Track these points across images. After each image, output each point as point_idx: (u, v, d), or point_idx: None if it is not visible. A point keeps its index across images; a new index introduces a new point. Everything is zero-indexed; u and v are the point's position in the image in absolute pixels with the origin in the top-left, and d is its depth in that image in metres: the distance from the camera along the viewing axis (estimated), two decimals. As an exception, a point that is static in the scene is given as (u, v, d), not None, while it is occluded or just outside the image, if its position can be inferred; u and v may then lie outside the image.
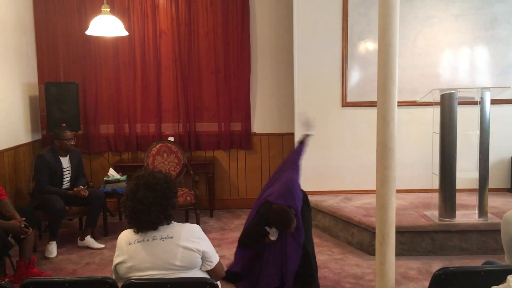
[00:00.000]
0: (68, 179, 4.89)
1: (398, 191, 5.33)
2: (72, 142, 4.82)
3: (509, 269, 2.28)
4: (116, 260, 2.29)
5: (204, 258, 2.28)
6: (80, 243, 4.80)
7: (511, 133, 5.42)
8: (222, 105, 5.94)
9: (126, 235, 2.31)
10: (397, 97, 2.11)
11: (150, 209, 2.21)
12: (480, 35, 5.35)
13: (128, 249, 2.24)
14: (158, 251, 2.20)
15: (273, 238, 3.30)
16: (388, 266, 2.17)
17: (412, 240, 4.41)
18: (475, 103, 4.50)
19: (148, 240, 2.22)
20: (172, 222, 2.32)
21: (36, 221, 4.30)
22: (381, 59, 2.04)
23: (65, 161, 4.86)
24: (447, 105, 4.35)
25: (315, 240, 4.85)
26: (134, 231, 2.28)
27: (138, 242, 2.23)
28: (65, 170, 4.85)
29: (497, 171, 5.44)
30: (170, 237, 2.23)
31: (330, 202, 5.18)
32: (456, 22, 5.32)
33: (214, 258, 2.33)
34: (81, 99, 5.74)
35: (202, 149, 6.05)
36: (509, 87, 4.90)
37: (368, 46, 5.40)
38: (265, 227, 3.29)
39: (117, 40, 5.73)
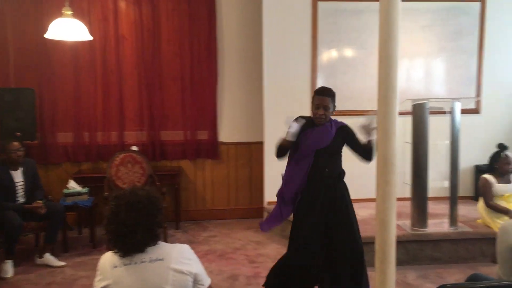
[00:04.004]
0: (21, 194, 4.54)
1: (369, 200, 5.40)
2: (20, 153, 4.45)
3: (505, 285, 2.26)
4: (98, 285, 2.08)
5: (195, 280, 2.11)
6: (38, 261, 4.47)
7: (474, 143, 5.54)
8: (188, 113, 5.76)
9: (110, 257, 2.11)
10: (398, 109, 2.04)
11: (135, 230, 2.03)
12: (446, 46, 5.46)
13: (113, 273, 2.04)
14: (148, 275, 2.02)
15: (288, 137, 3.24)
16: (389, 285, 2.08)
17: (386, 251, 4.38)
18: (443, 113, 4.57)
19: (136, 263, 2.04)
20: (159, 242, 2.15)
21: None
22: (382, 71, 1.96)
23: (17, 175, 4.50)
24: (419, 115, 4.38)
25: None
26: (119, 255, 2.08)
27: (125, 265, 2.04)
28: (17, 184, 4.49)
29: (461, 180, 5.53)
30: (160, 259, 2.05)
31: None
32: (423, 33, 5.41)
33: (206, 281, 2.17)
34: (38, 106, 5.40)
35: (168, 159, 5.83)
36: (479, 98, 5.02)
37: (337, 55, 5.39)
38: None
39: (77, 45, 5.44)
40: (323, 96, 3.28)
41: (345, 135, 3.42)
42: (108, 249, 4.57)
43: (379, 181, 2.20)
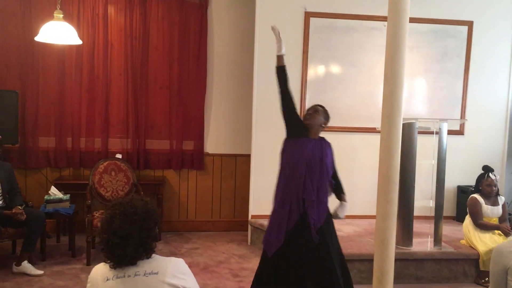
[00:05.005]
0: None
1: (352, 217, 5.40)
2: None
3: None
4: (89, 297, 2.01)
5: (189, 296, 2.06)
6: (15, 269, 4.32)
7: (457, 164, 5.60)
8: (174, 122, 5.70)
9: (102, 270, 2.04)
10: (401, 128, 2.05)
11: (127, 242, 1.97)
12: (431, 67, 5.55)
13: (105, 286, 1.97)
14: (141, 289, 1.96)
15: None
16: (387, 305, 2.07)
17: (371, 268, 4.38)
18: (430, 133, 4.63)
19: (129, 276, 1.97)
20: (154, 255, 2.09)
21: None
22: (387, 89, 1.97)
23: None
24: (407, 134, 4.41)
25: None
26: (110, 266, 2.01)
27: (118, 278, 1.98)
28: None
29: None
30: (155, 273, 1.99)
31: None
32: (411, 53, 5.49)
33: (200, 297, 2.12)
34: (20, 109, 5.27)
35: (151, 168, 5.74)
36: (466, 120, 5.08)
37: (327, 71, 5.42)
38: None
39: (64, 49, 5.34)
40: (316, 107, 3.53)
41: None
42: (88, 259, 4.48)
43: (380, 200, 2.20)
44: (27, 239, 4.36)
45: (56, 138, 5.52)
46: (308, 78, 5.35)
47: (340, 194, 3.55)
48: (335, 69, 5.43)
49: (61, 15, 4.36)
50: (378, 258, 2.16)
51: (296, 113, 3.51)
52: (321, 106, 3.55)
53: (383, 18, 5.27)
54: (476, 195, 4.60)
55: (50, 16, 4.65)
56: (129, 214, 2.01)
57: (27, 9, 5.32)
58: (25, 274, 4.28)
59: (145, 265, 2.01)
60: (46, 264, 4.56)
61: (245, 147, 5.67)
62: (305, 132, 3.45)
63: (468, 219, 4.65)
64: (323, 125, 3.49)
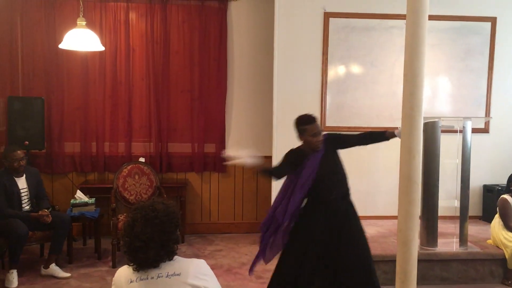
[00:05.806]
0: (26, 200, 4.53)
1: (375, 217, 5.36)
2: (22, 163, 4.45)
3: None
4: (113, 299, 2.05)
5: (212, 296, 2.08)
6: (43, 271, 4.42)
7: (482, 162, 5.50)
8: (196, 126, 5.75)
9: (125, 272, 2.08)
10: (422, 128, 2.03)
11: (148, 245, 2.00)
12: (454, 65, 5.47)
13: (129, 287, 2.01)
14: (164, 291, 1.99)
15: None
16: (410, 306, 2.05)
17: (395, 269, 4.34)
18: (453, 131, 4.56)
19: (152, 278, 2.01)
20: (176, 257, 2.11)
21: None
22: (407, 89, 1.96)
23: (21, 182, 4.51)
24: (430, 133, 4.36)
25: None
26: (134, 269, 2.05)
27: (141, 280, 2.01)
28: (22, 191, 4.50)
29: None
30: (177, 274, 2.02)
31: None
32: (432, 52, 5.41)
33: (222, 297, 2.14)
34: (46, 115, 5.39)
35: (174, 171, 5.81)
36: (491, 118, 5.00)
37: (347, 71, 5.39)
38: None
39: (87, 55, 5.45)
40: (315, 123, 3.44)
41: (335, 143, 3.53)
42: (113, 261, 4.55)
43: (401, 200, 2.18)
44: (54, 241, 4.47)
45: (81, 143, 5.63)
46: (328, 79, 5.34)
47: (383, 136, 3.63)
48: (355, 69, 5.40)
49: (84, 23, 4.46)
50: (401, 259, 2.15)
51: (288, 170, 3.60)
52: (315, 117, 3.52)
53: (403, 17, 5.23)
54: (506, 196, 4.49)
55: (73, 24, 4.75)
56: (150, 218, 2.04)
57: (51, 18, 5.45)
58: (53, 277, 4.38)
59: (168, 267, 2.04)
60: (73, 267, 4.66)
61: (266, 149, 5.66)
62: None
63: (496, 219, 4.55)
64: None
